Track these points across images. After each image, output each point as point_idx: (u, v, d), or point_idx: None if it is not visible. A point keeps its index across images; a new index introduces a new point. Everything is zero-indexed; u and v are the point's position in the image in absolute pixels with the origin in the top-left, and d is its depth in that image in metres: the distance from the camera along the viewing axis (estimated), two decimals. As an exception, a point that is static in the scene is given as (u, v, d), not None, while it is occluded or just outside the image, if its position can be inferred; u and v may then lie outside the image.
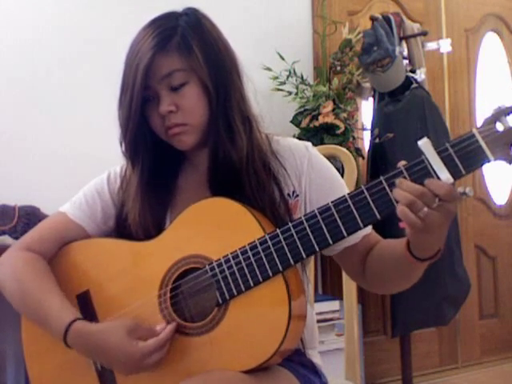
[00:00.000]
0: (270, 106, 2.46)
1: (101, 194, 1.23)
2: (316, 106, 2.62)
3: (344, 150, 1.61)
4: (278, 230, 1.00)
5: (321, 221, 0.98)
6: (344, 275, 1.48)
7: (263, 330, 1.00)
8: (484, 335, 3.44)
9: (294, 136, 2.60)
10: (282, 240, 1.00)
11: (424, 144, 0.89)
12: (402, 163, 0.92)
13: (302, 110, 2.68)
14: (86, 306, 1.15)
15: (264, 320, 1.00)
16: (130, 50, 1.11)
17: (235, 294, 1.02)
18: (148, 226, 1.15)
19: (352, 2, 3.12)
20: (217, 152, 1.12)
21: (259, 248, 1.01)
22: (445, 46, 2.93)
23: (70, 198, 1.28)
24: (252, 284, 1.01)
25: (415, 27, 2.84)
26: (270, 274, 1.00)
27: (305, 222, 0.99)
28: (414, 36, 2.79)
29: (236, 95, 1.13)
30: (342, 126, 2.56)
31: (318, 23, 2.93)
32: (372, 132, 2.81)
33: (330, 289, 2.80)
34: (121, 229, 1.20)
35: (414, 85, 2.72)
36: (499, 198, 3.58)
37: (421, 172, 0.90)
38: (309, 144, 1.19)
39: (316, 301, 1.75)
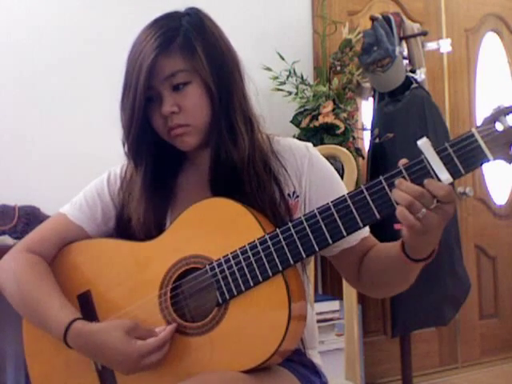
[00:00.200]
0: (269, 106, 2.46)
1: (101, 195, 1.23)
2: (316, 106, 2.62)
3: (344, 150, 1.61)
4: (278, 230, 1.00)
5: (320, 221, 0.98)
6: (344, 275, 1.48)
7: (263, 329, 1.00)
8: (484, 335, 3.44)
9: (293, 136, 2.60)
10: (282, 240, 1.00)
11: (423, 144, 0.90)
12: (402, 161, 0.92)
13: (302, 109, 2.68)
14: (87, 306, 1.15)
15: (264, 320, 1.00)
16: (132, 50, 1.11)
17: (235, 293, 1.02)
18: (150, 227, 1.15)
19: (352, 2, 3.12)
20: (219, 152, 1.12)
21: (259, 248, 1.01)
22: (445, 45, 2.93)
23: (70, 198, 1.28)
24: (252, 284, 1.01)
25: (415, 27, 2.84)
26: (270, 274, 1.00)
27: (304, 221, 0.99)
28: (414, 36, 2.79)
29: (238, 95, 1.13)
30: (342, 125, 2.56)
31: (318, 23, 2.93)
32: (372, 132, 2.81)
33: (330, 289, 2.80)
34: (121, 229, 1.20)
35: (414, 85, 2.72)
36: (499, 198, 3.58)
37: (420, 172, 0.90)
38: (309, 144, 1.19)
39: (316, 301, 1.75)
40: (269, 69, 2.62)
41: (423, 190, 0.88)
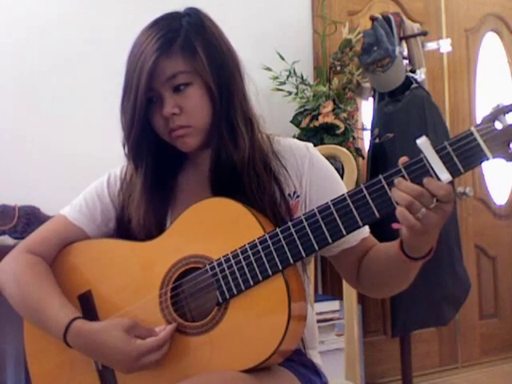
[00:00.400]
0: (269, 106, 2.45)
1: (101, 196, 1.23)
2: (316, 106, 2.62)
3: (344, 150, 1.61)
4: (278, 230, 1.01)
5: (320, 220, 0.98)
6: (344, 275, 1.48)
7: (263, 329, 1.00)
8: (484, 335, 3.44)
9: (293, 136, 2.60)
10: (282, 239, 1.00)
11: (423, 143, 0.90)
12: (402, 159, 0.92)
13: (302, 109, 2.68)
14: (88, 307, 1.15)
15: (264, 320, 1.00)
16: (132, 51, 1.11)
17: (235, 293, 1.02)
18: (150, 227, 1.15)
19: (352, 2, 3.12)
20: (219, 153, 1.12)
21: (259, 247, 1.01)
22: (445, 46, 2.93)
23: (70, 198, 1.28)
24: (252, 283, 1.01)
25: (415, 27, 2.84)
26: (270, 273, 1.00)
27: (304, 221, 0.99)
28: (414, 36, 2.79)
29: (238, 96, 1.13)
30: (342, 125, 2.55)
31: (318, 23, 2.93)
32: (372, 132, 2.81)
33: (330, 289, 2.80)
34: (122, 230, 1.20)
35: (414, 85, 2.72)
36: (499, 198, 3.58)
37: (419, 170, 0.90)
38: (310, 144, 1.20)
39: (316, 301, 1.75)
40: (269, 69, 2.62)
41: (423, 190, 0.88)
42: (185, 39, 1.09)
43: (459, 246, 2.74)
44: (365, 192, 0.94)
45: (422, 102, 2.70)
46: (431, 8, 3.36)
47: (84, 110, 2.42)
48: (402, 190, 0.89)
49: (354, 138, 2.65)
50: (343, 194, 0.97)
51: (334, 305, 2.50)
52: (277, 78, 2.66)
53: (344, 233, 0.97)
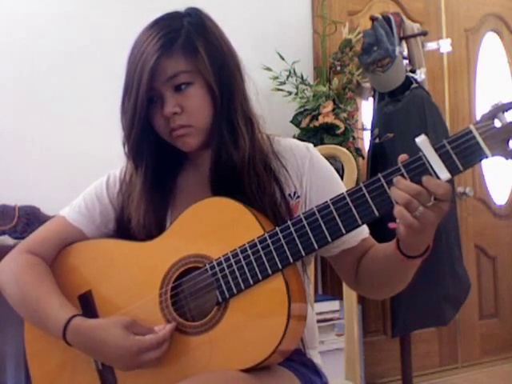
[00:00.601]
0: (270, 106, 2.45)
1: (100, 198, 1.23)
2: (316, 106, 2.62)
3: (344, 150, 1.61)
4: (278, 229, 1.01)
5: (319, 218, 0.98)
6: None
7: (262, 329, 1.00)
8: (484, 335, 3.44)
9: (293, 136, 2.60)
10: (282, 238, 1.00)
11: (422, 141, 0.90)
12: (402, 157, 0.92)
13: (302, 109, 2.68)
14: (88, 307, 1.15)
15: (263, 319, 1.00)
16: (133, 51, 1.11)
17: (235, 292, 1.02)
18: (150, 227, 1.15)
19: (352, 2, 3.12)
20: (219, 153, 1.12)
21: (258, 246, 1.01)
22: (445, 46, 2.93)
23: (70, 197, 1.28)
24: (251, 282, 1.01)
25: (415, 27, 2.84)
26: (270, 273, 1.00)
27: (304, 220, 0.99)
28: (414, 36, 2.79)
29: (239, 96, 1.13)
30: (342, 126, 2.56)
31: (318, 23, 2.93)
32: (372, 132, 2.81)
33: (329, 289, 2.80)
34: (122, 230, 1.20)
35: (414, 85, 2.72)
36: (499, 198, 3.58)
37: (419, 169, 0.90)
38: (310, 145, 1.20)
39: (316, 301, 1.75)
40: (269, 69, 2.62)
41: (421, 188, 0.89)
42: (186, 39, 1.09)
43: (459, 246, 2.74)
44: (364, 191, 0.94)
45: (422, 102, 2.70)
46: (431, 8, 3.36)
47: (84, 110, 2.42)
48: (400, 189, 0.89)
49: (354, 138, 2.65)
50: (342, 193, 0.97)
51: (334, 305, 2.50)
52: (277, 78, 2.66)
53: (343, 231, 0.97)
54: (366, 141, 2.96)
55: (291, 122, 2.68)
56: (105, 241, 1.21)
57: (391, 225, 0.94)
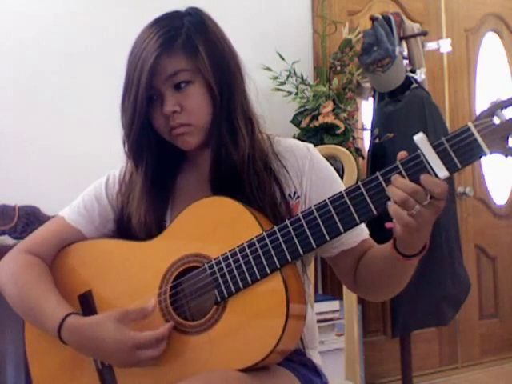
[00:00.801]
0: (270, 106, 2.45)
1: (99, 199, 1.24)
2: (316, 106, 2.62)
3: (344, 150, 1.61)
4: (276, 228, 1.01)
5: (318, 217, 0.98)
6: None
7: (261, 328, 1.00)
8: (484, 335, 3.44)
9: (293, 136, 2.60)
10: (280, 237, 1.00)
11: (420, 139, 0.90)
12: (401, 154, 0.92)
13: (302, 109, 2.68)
14: (88, 307, 1.15)
15: (262, 319, 1.00)
16: (133, 49, 1.11)
17: (233, 291, 1.02)
18: (150, 226, 1.15)
19: (352, 2, 3.12)
20: (219, 152, 1.12)
21: (257, 246, 1.01)
22: (445, 46, 2.93)
23: (69, 198, 1.28)
24: (250, 281, 1.01)
25: (415, 27, 2.84)
26: (268, 272, 1.00)
27: (302, 218, 0.99)
28: (414, 36, 2.79)
29: (239, 96, 1.13)
30: (342, 126, 2.56)
31: (318, 23, 2.93)
32: (372, 132, 2.81)
33: (330, 289, 2.80)
34: (121, 230, 1.20)
35: (414, 85, 2.72)
36: (499, 198, 3.58)
37: (417, 167, 0.90)
38: (310, 145, 1.20)
39: (316, 301, 1.75)
40: (269, 69, 2.62)
41: (418, 187, 0.89)
42: (186, 38, 1.09)
43: (459, 246, 2.74)
44: (362, 189, 0.94)
45: (422, 102, 2.69)
46: (431, 8, 3.36)
47: (84, 110, 2.43)
48: (397, 187, 0.89)
49: (354, 138, 2.65)
50: (340, 192, 0.97)
51: (334, 305, 2.50)
52: (277, 78, 2.66)
53: (341, 230, 0.97)
54: (366, 141, 2.96)
55: (291, 122, 2.68)
56: (104, 241, 1.21)
57: (388, 224, 0.94)
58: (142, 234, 1.15)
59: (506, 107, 0.87)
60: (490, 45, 3.59)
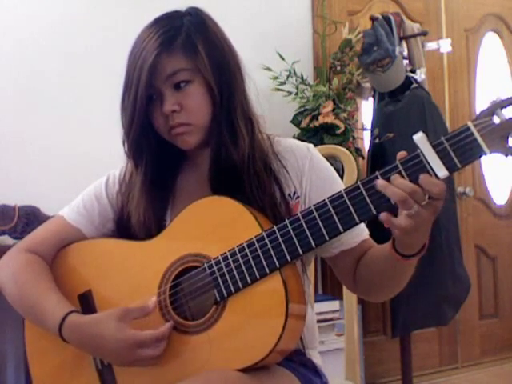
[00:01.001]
0: (270, 106, 2.45)
1: (99, 198, 1.24)
2: (316, 106, 2.62)
3: (344, 150, 1.61)
4: (275, 227, 1.01)
5: (317, 217, 0.98)
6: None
7: (260, 328, 1.00)
8: (484, 335, 3.44)
9: (293, 136, 2.60)
10: (279, 237, 1.00)
11: (419, 138, 0.90)
12: (400, 154, 0.92)
13: (302, 109, 2.68)
14: (88, 306, 1.15)
15: (261, 319, 1.00)
16: (133, 49, 1.11)
17: (233, 291, 1.02)
18: (150, 226, 1.15)
19: (352, 2, 3.12)
20: (219, 152, 1.12)
21: (256, 245, 1.01)
22: (445, 46, 2.93)
23: (69, 197, 1.28)
24: (249, 281, 1.01)
25: (415, 27, 2.84)
26: (267, 271, 1.00)
27: (301, 218, 0.99)
28: (414, 36, 2.79)
29: (239, 95, 1.13)
30: (342, 126, 2.56)
31: (318, 23, 2.93)
32: (372, 132, 2.81)
33: (330, 289, 2.80)
34: (121, 230, 1.21)
35: (414, 85, 2.72)
36: (499, 198, 3.58)
37: (416, 166, 0.90)
38: (310, 145, 1.20)
39: (316, 301, 1.75)
40: (269, 69, 2.62)
41: (416, 187, 0.89)
42: (186, 37, 1.09)
43: (459, 246, 2.74)
44: (361, 189, 0.94)
45: (422, 102, 2.70)
46: (431, 8, 3.36)
47: (84, 110, 2.43)
48: (395, 186, 0.89)
49: (353, 138, 2.65)
50: (340, 191, 0.97)
51: (334, 305, 2.49)
52: (277, 78, 2.66)
53: (341, 230, 0.97)
54: (366, 141, 2.96)
55: (291, 122, 2.68)
56: (104, 240, 1.21)
57: (386, 224, 0.94)
58: (142, 233, 1.15)
59: (505, 106, 0.87)
60: (490, 45, 3.60)
